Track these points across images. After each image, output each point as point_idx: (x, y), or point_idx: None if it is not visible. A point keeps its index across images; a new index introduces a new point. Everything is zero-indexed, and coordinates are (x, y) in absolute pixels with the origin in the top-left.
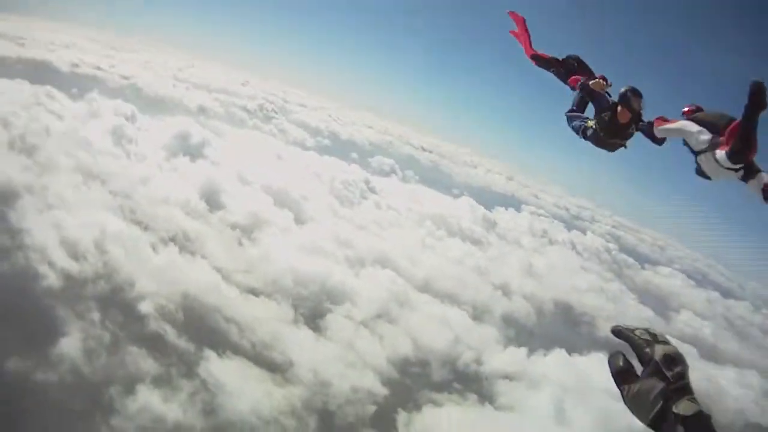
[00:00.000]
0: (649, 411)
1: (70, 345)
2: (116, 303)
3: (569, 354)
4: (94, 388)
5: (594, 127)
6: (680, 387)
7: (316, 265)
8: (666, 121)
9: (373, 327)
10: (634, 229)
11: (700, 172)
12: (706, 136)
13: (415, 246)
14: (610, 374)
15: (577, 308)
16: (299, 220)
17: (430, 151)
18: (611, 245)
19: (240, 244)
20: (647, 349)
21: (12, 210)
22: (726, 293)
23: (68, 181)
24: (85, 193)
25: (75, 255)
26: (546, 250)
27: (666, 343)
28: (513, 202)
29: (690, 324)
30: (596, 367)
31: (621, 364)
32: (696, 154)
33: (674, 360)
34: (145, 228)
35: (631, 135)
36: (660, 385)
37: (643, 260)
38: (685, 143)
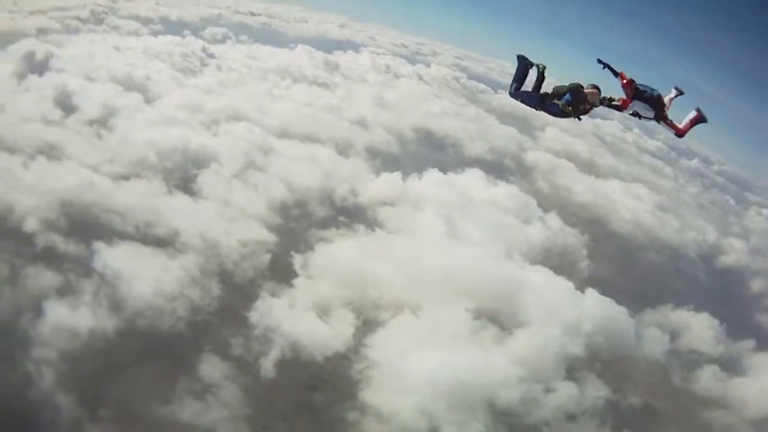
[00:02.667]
0: None
1: None
2: (4, 231)
3: (444, 173)
4: (6, 328)
5: (564, 110)
6: None
7: (174, 135)
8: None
9: (244, 179)
10: (480, 60)
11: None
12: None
13: (263, 98)
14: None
15: (438, 132)
16: (148, 99)
17: (260, 14)
18: (459, 74)
19: (99, 136)
20: None
21: None
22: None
23: None
24: None
25: None
26: (393, 83)
27: None
28: (350, 46)
29: (558, 140)
30: (474, 182)
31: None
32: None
33: None
34: (13, 152)
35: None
36: None
37: (495, 86)
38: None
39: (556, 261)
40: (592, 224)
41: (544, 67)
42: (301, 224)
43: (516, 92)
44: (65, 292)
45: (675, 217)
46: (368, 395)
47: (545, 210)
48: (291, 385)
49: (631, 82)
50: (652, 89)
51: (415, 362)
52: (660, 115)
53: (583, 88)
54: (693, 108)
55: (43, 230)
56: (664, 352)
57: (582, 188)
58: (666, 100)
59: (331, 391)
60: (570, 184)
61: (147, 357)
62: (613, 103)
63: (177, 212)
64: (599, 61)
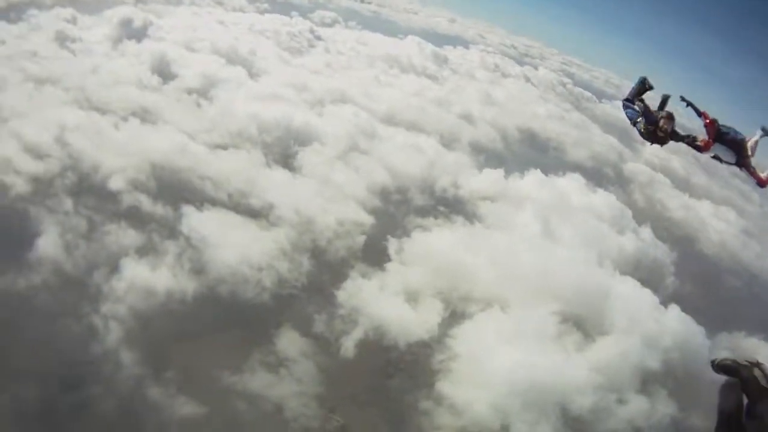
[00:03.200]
0: None
1: (47, 244)
2: (87, 189)
3: (545, 175)
4: (78, 282)
5: (641, 129)
6: None
7: (277, 111)
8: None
9: (346, 160)
10: (585, 68)
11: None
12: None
13: (370, 84)
14: (718, 406)
15: (542, 134)
16: (252, 75)
17: (370, 2)
18: (565, 80)
19: (198, 105)
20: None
21: None
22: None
23: (19, 93)
24: (39, 98)
25: (39, 156)
26: (501, 82)
27: None
28: (460, 42)
29: (657, 154)
30: (573, 187)
31: (733, 405)
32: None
33: None
34: (104, 112)
35: (667, 141)
36: None
37: (599, 95)
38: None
39: (644, 274)
40: (681, 242)
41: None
42: (399, 210)
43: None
44: (146, 251)
45: (759, 243)
46: (445, 386)
47: (639, 222)
48: (368, 369)
49: (713, 122)
50: (736, 132)
51: (496, 359)
52: (743, 161)
53: (646, 86)
54: None
55: (129, 190)
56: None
57: (675, 205)
58: (750, 143)
59: (407, 379)
60: (665, 199)
61: (223, 325)
62: (696, 143)
63: (274, 185)
64: (682, 99)
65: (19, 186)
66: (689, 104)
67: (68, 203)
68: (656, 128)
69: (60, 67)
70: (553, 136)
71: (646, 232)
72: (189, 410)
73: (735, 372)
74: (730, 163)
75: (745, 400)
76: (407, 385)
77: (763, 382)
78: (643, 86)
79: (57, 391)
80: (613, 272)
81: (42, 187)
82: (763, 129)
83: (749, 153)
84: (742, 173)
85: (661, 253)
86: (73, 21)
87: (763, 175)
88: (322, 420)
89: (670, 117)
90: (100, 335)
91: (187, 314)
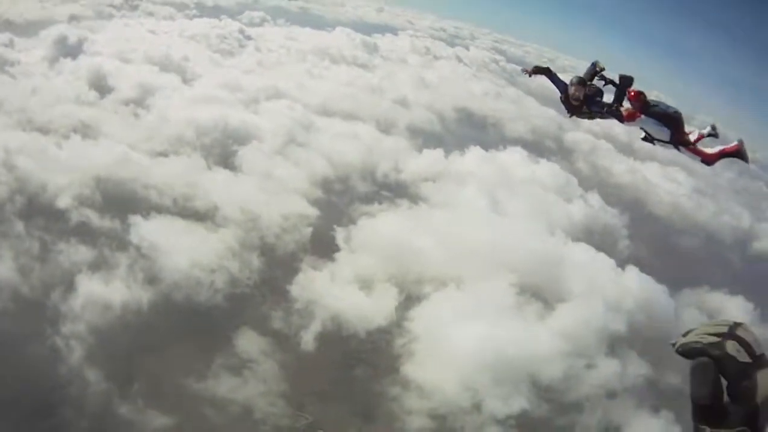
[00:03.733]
0: None
1: (2, 269)
2: (36, 210)
3: (486, 150)
4: (36, 304)
5: (561, 100)
6: None
7: (213, 113)
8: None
9: (286, 154)
10: (518, 44)
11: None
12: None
13: (303, 77)
14: (691, 392)
15: (478, 112)
16: (186, 80)
17: None
18: (498, 57)
19: (136, 116)
20: (746, 383)
21: None
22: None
23: None
24: None
25: None
26: (433, 65)
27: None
28: (389, 30)
29: (598, 122)
30: (515, 160)
31: (708, 392)
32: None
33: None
34: (46, 132)
35: (587, 112)
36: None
37: None
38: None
39: (597, 240)
40: (631, 205)
41: (602, 69)
42: (343, 199)
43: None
44: (99, 266)
45: (711, 201)
46: (410, 370)
47: (586, 189)
48: (330, 361)
49: (639, 93)
50: (668, 106)
51: (457, 336)
52: (679, 138)
53: (596, 68)
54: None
55: (76, 206)
56: None
57: (621, 169)
58: (695, 132)
59: (371, 366)
60: (609, 165)
61: (182, 331)
62: (617, 113)
63: (216, 187)
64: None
65: None
66: (602, 77)
67: (19, 226)
68: (566, 96)
69: (0, 91)
70: (490, 113)
71: (594, 198)
72: (160, 423)
73: (704, 353)
74: (664, 142)
75: (724, 381)
76: (372, 373)
77: (741, 356)
78: (594, 69)
79: (29, 417)
80: (565, 240)
81: None
82: (713, 128)
83: (687, 132)
84: (683, 153)
85: (612, 217)
86: (11, 45)
87: (709, 151)
88: (291, 418)
89: (581, 83)
90: (63, 356)
91: (145, 325)
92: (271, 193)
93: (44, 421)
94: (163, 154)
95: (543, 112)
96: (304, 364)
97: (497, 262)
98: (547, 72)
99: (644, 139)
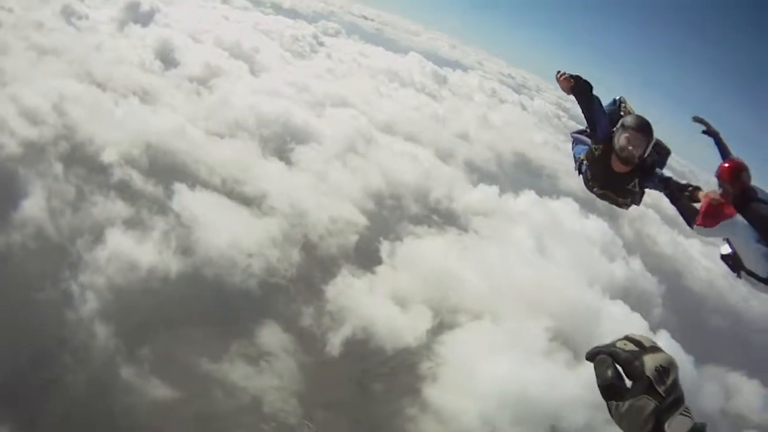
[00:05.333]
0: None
1: (33, 206)
2: (79, 159)
3: (539, 196)
4: (59, 248)
5: (584, 162)
6: (673, 401)
7: (277, 106)
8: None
9: (344, 161)
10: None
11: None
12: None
13: (371, 93)
14: (596, 383)
15: (536, 160)
16: (254, 71)
17: (372, 20)
18: (560, 113)
19: (198, 94)
20: (636, 363)
21: None
22: (680, 175)
23: (22, 60)
24: (41, 67)
25: (35, 121)
26: (498, 107)
27: (655, 350)
28: (459, 67)
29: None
30: (567, 211)
31: (609, 375)
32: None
33: (666, 371)
34: (104, 88)
35: (634, 194)
36: (651, 405)
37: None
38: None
39: (633, 301)
40: (669, 275)
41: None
42: (393, 215)
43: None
44: (133, 224)
45: (744, 286)
46: (432, 393)
47: (629, 252)
48: (352, 370)
49: (738, 168)
50: None
51: (484, 369)
52: None
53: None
54: None
55: (121, 164)
56: (718, 409)
57: (665, 240)
58: None
59: (392, 383)
60: (654, 233)
61: (206, 308)
62: (693, 201)
63: (268, 175)
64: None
65: (11, 147)
66: (707, 128)
67: (59, 169)
68: (604, 149)
69: (64, 40)
70: (547, 163)
71: (636, 262)
72: (162, 393)
73: (600, 353)
74: (763, 282)
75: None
76: (392, 389)
77: (629, 347)
78: (618, 108)
79: (29, 362)
80: (603, 295)
81: (34, 152)
82: None
83: None
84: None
85: (650, 284)
86: None
87: None
88: (299, 421)
89: (648, 130)
90: (75, 304)
91: (169, 294)
92: (322, 194)
93: (42, 369)
94: (220, 135)
95: None
96: (325, 368)
97: (535, 304)
98: (583, 87)
99: (728, 261)
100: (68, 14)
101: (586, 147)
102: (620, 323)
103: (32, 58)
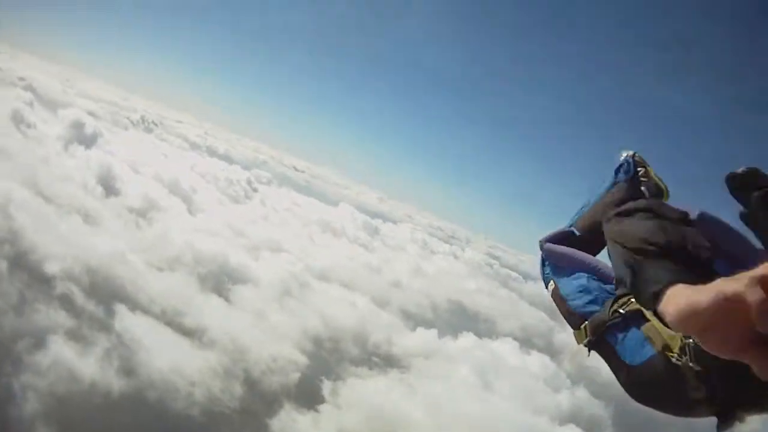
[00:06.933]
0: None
1: None
2: (23, 265)
3: (479, 338)
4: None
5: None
6: None
7: (214, 246)
8: None
9: (281, 303)
10: (511, 252)
11: None
12: None
13: (305, 241)
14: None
15: (471, 307)
16: (191, 210)
17: (303, 171)
18: (492, 261)
19: (137, 226)
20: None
21: None
22: None
23: None
24: None
25: None
26: (430, 257)
27: None
28: (389, 219)
29: None
30: (507, 349)
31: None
32: None
33: None
34: (49, 201)
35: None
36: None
37: (526, 276)
38: None
39: (585, 425)
40: (617, 398)
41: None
42: (333, 356)
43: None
44: (75, 336)
45: None
46: None
47: (573, 383)
48: None
49: None
50: None
51: None
52: None
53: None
54: None
55: (64, 278)
56: None
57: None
58: None
59: None
60: (598, 365)
61: (147, 428)
62: None
63: (208, 310)
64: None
65: None
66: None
67: (2, 267)
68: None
69: (11, 144)
70: (482, 309)
71: (581, 391)
72: None
73: None
74: None
75: None
76: None
77: None
78: (635, 173)
79: None
80: (552, 423)
81: None
82: None
83: None
84: None
85: (598, 408)
86: (31, 105)
87: None
88: None
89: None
90: (17, 402)
91: (110, 410)
92: (262, 332)
93: None
94: (159, 268)
95: (534, 314)
96: None
97: None
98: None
99: None
100: (17, 120)
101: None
102: None
103: None
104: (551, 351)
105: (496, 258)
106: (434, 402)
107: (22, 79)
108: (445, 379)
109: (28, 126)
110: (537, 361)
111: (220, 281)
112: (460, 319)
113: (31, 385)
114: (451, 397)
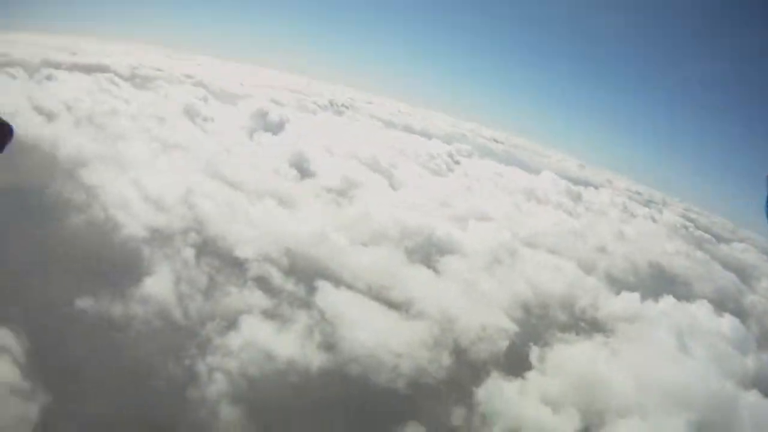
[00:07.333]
0: None
1: (157, 285)
2: (211, 251)
3: (677, 300)
4: (186, 328)
5: None
6: None
7: (420, 219)
8: None
9: (490, 271)
10: (704, 215)
11: None
12: None
13: (510, 209)
14: None
15: (669, 269)
16: (393, 186)
17: (502, 143)
18: (687, 224)
19: (338, 204)
20: None
21: (84, 171)
22: None
23: (144, 149)
24: (166, 159)
25: (160, 209)
26: (630, 221)
27: None
28: (590, 184)
29: None
30: (702, 312)
31: None
32: None
33: None
34: (236, 188)
35: None
36: None
37: (718, 239)
38: None
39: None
40: None
41: None
42: (542, 322)
43: None
44: (272, 315)
45: None
46: None
47: (759, 346)
48: None
49: None
50: None
51: None
52: None
53: None
54: None
55: (259, 261)
56: None
57: None
58: None
59: None
60: None
61: (349, 406)
62: None
63: (416, 282)
64: None
65: (134, 228)
66: None
67: (189, 256)
68: None
69: (189, 137)
70: (680, 272)
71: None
72: None
73: None
74: None
75: None
76: None
77: None
78: None
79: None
80: (738, 387)
81: (160, 237)
82: None
83: None
84: None
85: None
86: (205, 100)
87: None
88: None
89: None
90: (200, 383)
91: (305, 387)
92: (472, 301)
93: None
94: (363, 244)
95: (726, 276)
96: None
97: (679, 400)
98: None
99: None
100: (191, 114)
101: None
102: (756, 410)
103: (156, 149)
104: (741, 314)
105: (691, 220)
106: (636, 366)
107: (188, 76)
108: (646, 343)
109: (205, 120)
110: (729, 323)
111: (427, 253)
112: (659, 282)
113: (219, 367)
114: (651, 361)
